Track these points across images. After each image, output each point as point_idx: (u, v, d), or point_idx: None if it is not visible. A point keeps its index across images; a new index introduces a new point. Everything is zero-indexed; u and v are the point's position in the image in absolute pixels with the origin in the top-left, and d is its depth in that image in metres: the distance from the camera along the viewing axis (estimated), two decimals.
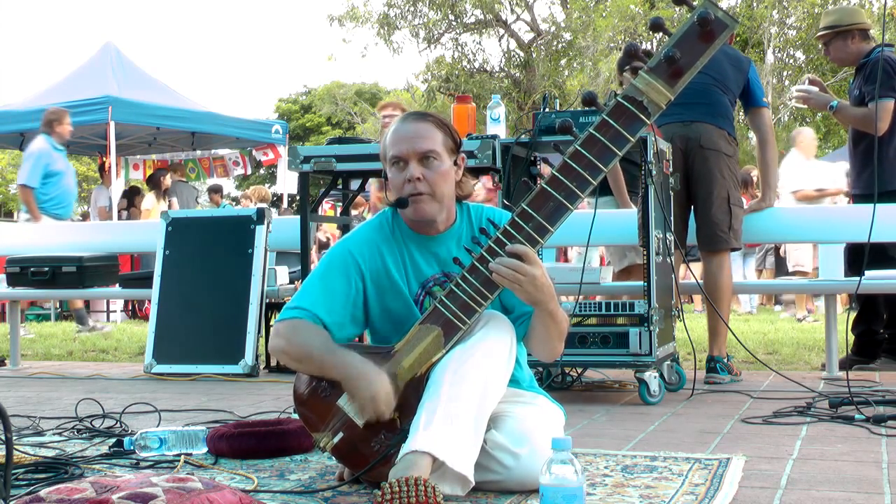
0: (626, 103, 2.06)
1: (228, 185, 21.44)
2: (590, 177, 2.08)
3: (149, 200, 10.59)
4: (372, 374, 2.13)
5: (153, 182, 10.84)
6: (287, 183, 12.33)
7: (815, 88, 4.83)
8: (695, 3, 2.03)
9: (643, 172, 3.76)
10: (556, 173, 2.09)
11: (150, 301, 5.50)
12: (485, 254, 2.12)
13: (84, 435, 3.07)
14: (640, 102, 2.06)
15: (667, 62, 2.02)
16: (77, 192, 7.91)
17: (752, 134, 4.93)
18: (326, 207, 12.53)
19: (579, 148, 2.09)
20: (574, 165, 2.08)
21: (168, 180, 10.90)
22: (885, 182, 4.56)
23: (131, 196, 11.78)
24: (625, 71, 2.08)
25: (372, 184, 5.97)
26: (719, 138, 4.35)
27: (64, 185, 7.61)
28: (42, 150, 7.47)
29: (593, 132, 2.08)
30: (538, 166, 4.08)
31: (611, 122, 2.07)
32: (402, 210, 2.26)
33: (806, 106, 5.02)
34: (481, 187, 6.12)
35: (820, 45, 4.99)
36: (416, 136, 2.24)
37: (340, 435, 2.16)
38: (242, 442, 2.66)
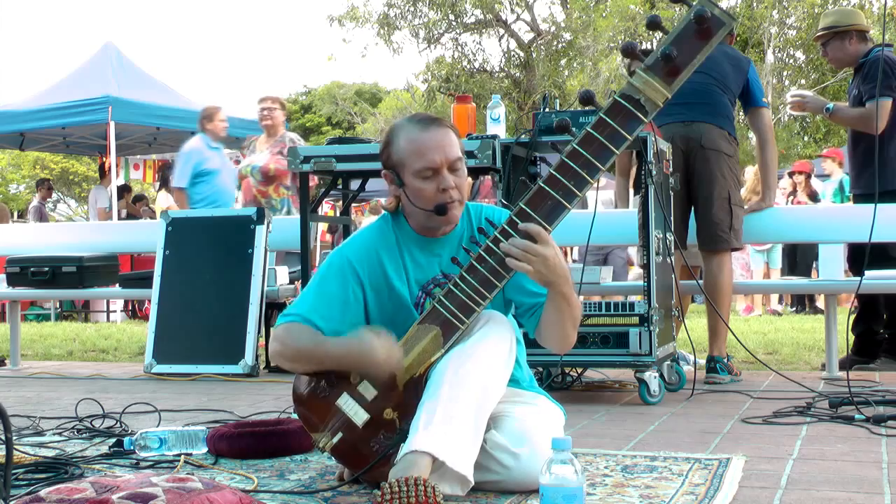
0: (623, 101, 2.06)
1: None
2: (587, 175, 2.08)
3: (164, 199, 10.57)
4: (359, 342, 2.12)
5: (166, 183, 10.83)
6: None
7: (810, 93, 4.85)
8: (692, 1, 2.03)
9: (643, 172, 3.76)
10: (554, 172, 2.09)
11: (150, 301, 5.50)
12: (483, 253, 2.12)
13: (84, 435, 3.07)
14: (638, 101, 2.05)
15: (664, 60, 2.02)
16: (236, 190, 7.38)
17: (752, 134, 4.94)
18: (326, 208, 12.52)
19: (577, 146, 2.08)
20: (571, 164, 2.08)
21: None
22: (885, 182, 4.56)
23: (121, 193, 11.76)
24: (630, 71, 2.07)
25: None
26: (720, 138, 4.35)
27: (218, 184, 7.11)
28: (193, 150, 6.98)
29: (590, 131, 2.08)
30: (537, 166, 4.08)
31: (608, 120, 2.07)
32: (438, 216, 2.23)
33: (801, 112, 5.03)
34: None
35: (818, 46, 5.00)
36: (444, 144, 2.22)
37: (340, 435, 2.16)
38: (242, 442, 2.66)
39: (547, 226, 2.09)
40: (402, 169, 2.25)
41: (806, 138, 20.77)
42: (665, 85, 2.03)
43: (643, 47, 2.08)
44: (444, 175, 2.21)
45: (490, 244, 2.11)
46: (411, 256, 2.32)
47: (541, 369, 4.03)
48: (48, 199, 14.05)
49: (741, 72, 4.45)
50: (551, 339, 2.25)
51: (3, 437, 1.95)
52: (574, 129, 2.20)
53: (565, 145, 2.13)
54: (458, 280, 2.13)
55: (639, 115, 2.06)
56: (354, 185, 4.91)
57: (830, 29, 4.82)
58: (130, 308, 11.68)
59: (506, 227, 2.11)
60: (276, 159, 5.95)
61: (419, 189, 2.23)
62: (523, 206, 2.11)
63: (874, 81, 4.49)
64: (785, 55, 20.61)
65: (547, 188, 2.09)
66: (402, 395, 2.14)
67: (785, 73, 20.48)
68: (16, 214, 22.81)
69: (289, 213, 6.00)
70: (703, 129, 4.34)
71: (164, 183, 10.83)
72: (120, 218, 10.76)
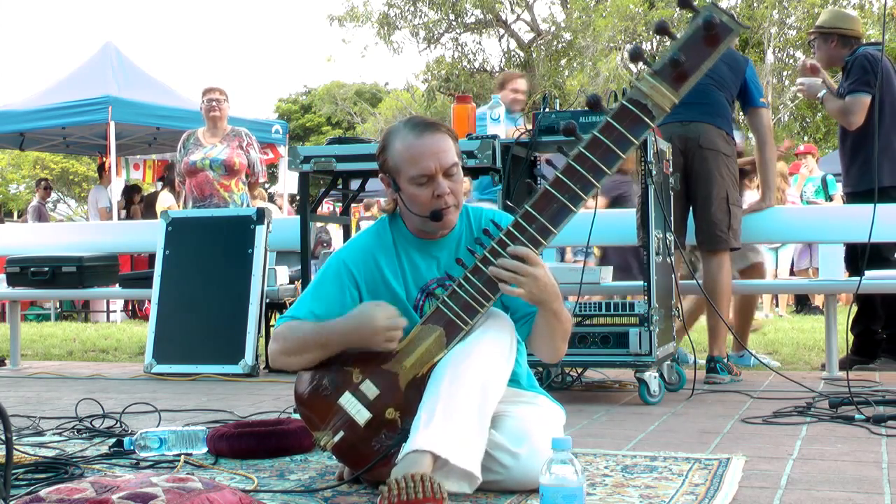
0: (630, 106, 2.06)
1: None
2: (593, 179, 2.08)
3: (167, 199, 10.56)
4: (364, 312, 2.16)
5: (169, 182, 10.81)
6: (287, 183, 12.33)
7: (812, 79, 4.92)
8: (700, 7, 2.03)
9: (643, 172, 3.76)
10: (560, 175, 2.09)
11: (150, 301, 5.50)
12: (487, 255, 2.12)
13: (84, 435, 3.07)
14: (645, 105, 2.05)
15: (671, 66, 2.02)
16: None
17: (751, 134, 4.96)
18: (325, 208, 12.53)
19: (583, 150, 2.08)
20: (578, 168, 2.08)
21: (179, 184, 10.86)
22: (869, 179, 4.59)
23: (130, 194, 11.76)
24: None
25: None
26: (718, 138, 4.36)
27: None
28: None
29: (597, 134, 2.08)
30: (538, 167, 4.08)
31: (615, 124, 2.07)
32: (434, 222, 2.24)
33: (804, 95, 5.11)
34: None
35: (810, 41, 5.12)
36: (438, 150, 2.22)
37: (341, 434, 2.16)
38: (242, 442, 2.66)
39: (552, 228, 2.10)
40: (398, 174, 2.26)
41: (806, 138, 20.78)
42: (672, 90, 2.03)
43: (642, 49, 2.08)
44: (438, 181, 2.21)
45: (495, 246, 2.12)
46: (409, 259, 2.32)
47: (541, 369, 4.03)
48: (47, 199, 13.98)
49: (738, 71, 4.45)
50: (542, 351, 2.31)
51: (3, 437, 1.95)
52: (578, 132, 2.20)
53: (569, 146, 2.13)
54: (462, 281, 2.14)
55: (646, 119, 2.05)
56: (354, 185, 4.91)
57: (817, 28, 4.97)
58: (130, 308, 11.67)
59: (511, 229, 2.11)
60: (237, 153, 5.84)
61: (414, 195, 2.23)
62: (529, 209, 2.11)
63: (853, 77, 4.61)
64: (785, 55, 20.62)
65: (553, 191, 2.09)
66: (405, 395, 2.14)
67: (785, 73, 20.49)
68: (15, 214, 22.84)
69: (247, 206, 5.93)
70: (700, 128, 4.34)
71: (167, 183, 10.82)
72: (121, 218, 10.76)
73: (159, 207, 10.28)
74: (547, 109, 3.99)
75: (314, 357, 2.23)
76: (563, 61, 22.43)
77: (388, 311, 2.16)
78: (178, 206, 10.07)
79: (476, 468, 2.00)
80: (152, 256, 9.01)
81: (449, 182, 2.22)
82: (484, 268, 2.12)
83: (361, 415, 2.15)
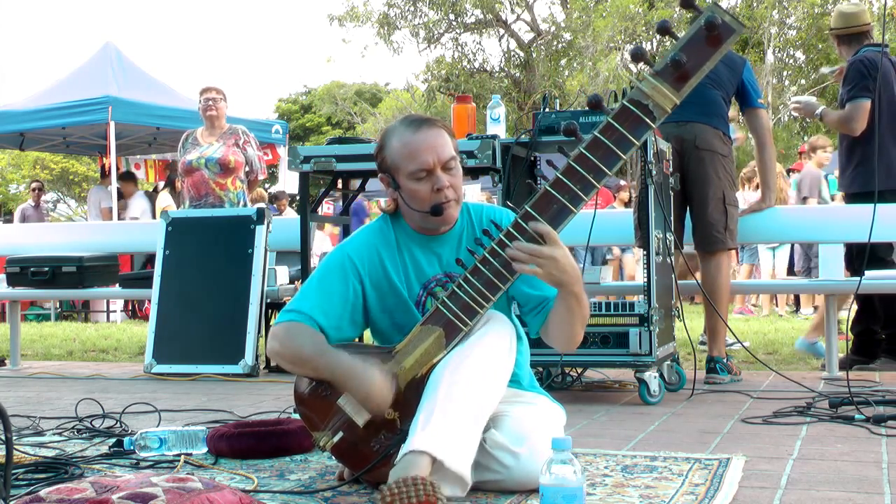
0: (631, 107, 2.06)
1: None
2: (594, 180, 2.07)
3: (165, 199, 10.57)
4: (362, 371, 2.12)
5: (170, 183, 10.81)
6: (287, 183, 12.34)
7: (805, 98, 5.00)
8: (702, 8, 2.03)
9: (643, 172, 3.76)
10: (561, 176, 2.09)
11: (150, 301, 5.50)
12: (487, 255, 2.12)
13: (84, 435, 3.07)
14: (646, 106, 2.05)
15: (673, 66, 2.02)
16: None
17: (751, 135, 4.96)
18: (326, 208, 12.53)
19: (584, 151, 2.08)
20: (578, 168, 2.08)
21: (179, 184, 10.88)
22: (866, 181, 4.61)
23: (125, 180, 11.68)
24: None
25: None
26: (714, 138, 4.36)
27: None
28: None
29: (598, 135, 2.07)
30: (538, 167, 4.08)
31: (616, 125, 2.06)
32: (435, 217, 2.24)
33: (801, 115, 5.21)
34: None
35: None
36: (436, 144, 2.22)
37: (340, 434, 2.16)
38: (242, 442, 2.67)
39: (552, 229, 2.09)
40: (397, 172, 2.26)
41: (806, 138, 20.79)
42: (674, 91, 2.03)
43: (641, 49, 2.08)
44: (437, 175, 2.21)
45: (495, 246, 2.11)
46: (411, 255, 2.32)
47: (541, 369, 4.03)
48: (41, 200, 13.86)
49: (736, 72, 4.45)
50: (559, 338, 2.26)
51: (3, 437, 1.95)
52: (579, 132, 2.19)
53: (570, 146, 2.13)
54: (461, 282, 2.13)
55: (647, 120, 2.05)
56: (354, 185, 4.92)
57: (830, 28, 5.11)
58: (130, 308, 11.67)
59: (511, 229, 2.10)
60: (233, 151, 5.81)
61: (414, 191, 2.23)
62: (529, 209, 2.10)
63: (851, 83, 4.65)
64: (785, 55, 20.63)
65: (553, 192, 2.09)
66: (404, 396, 2.14)
67: (785, 74, 20.51)
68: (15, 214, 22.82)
69: (245, 205, 5.94)
70: (696, 129, 4.34)
71: (169, 182, 10.82)
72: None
73: (159, 207, 10.28)
74: (547, 109, 3.99)
75: (305, 373, 2.24)
76: (563, 61, 22.44)
77: (387, 383, 2.12)
78: (174, 207, 10.08)
79: (467, 472, 2.00)
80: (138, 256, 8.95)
81: (448, 176, 2.23)
82: (483, 268, 2.12)
83: (360, 415, 2.14)
